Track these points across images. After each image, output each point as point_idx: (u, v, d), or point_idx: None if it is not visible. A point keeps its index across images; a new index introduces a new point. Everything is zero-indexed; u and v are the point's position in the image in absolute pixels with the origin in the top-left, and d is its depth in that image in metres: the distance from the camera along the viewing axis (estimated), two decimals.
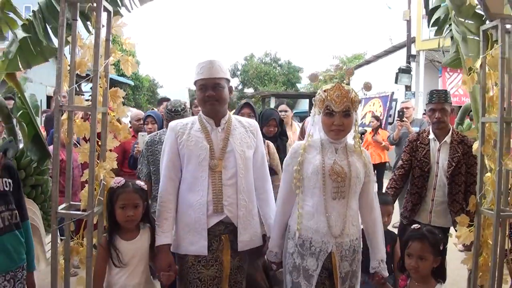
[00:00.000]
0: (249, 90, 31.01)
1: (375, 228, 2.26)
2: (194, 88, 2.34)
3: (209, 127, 2.25)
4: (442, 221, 3.13)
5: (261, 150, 2.39)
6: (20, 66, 2.93)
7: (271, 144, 3.28)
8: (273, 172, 3.02)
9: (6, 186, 2.20)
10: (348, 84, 2.18)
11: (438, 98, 3.16)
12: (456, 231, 2.69)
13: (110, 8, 2.31)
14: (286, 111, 4.72)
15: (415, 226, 2.36)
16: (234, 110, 3.62)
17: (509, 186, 2.52)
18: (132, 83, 21.38)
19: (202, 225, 2.15)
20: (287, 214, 2.27)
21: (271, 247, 2.33)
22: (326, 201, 2.09)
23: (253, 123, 2.42)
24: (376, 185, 2.20)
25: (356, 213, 2.19)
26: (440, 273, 2.29)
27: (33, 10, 2.81)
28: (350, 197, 2.14)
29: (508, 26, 2.44)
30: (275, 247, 2.32)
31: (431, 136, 3.24)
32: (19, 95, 3.08)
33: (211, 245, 2.17)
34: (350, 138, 2.22)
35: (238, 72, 32.83)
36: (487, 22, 2.57)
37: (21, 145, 3.38)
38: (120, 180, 2.27)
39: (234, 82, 33.66)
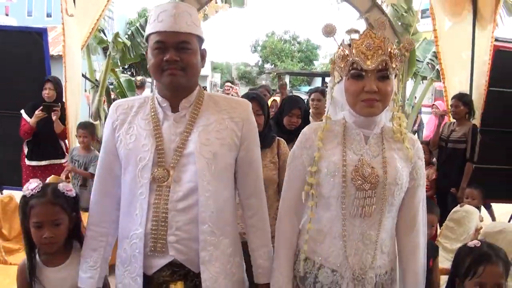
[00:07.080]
0: (268, 66, 32.74)
1: (414, 257, 1.50)
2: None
3: (161, 113, 1.44)
4: None
5: (251, 149, 1.51)
6: (119, 64, 4.97)
7: (283, 143, 2.43)
8: None
9: None
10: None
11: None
12: None
13: None
14: (319, 100, 3.77)
15: (474, 243, 1.73)
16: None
17: None
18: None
19: (137, 269, 1.41)
20: (297, 232, 1.55)
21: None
22: (345, 218, 1.41)
23: (241, 105, 1.52)
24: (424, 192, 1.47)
25: (390, 234, 1.48)
26: None
27: (131, 31, 4.81)
28: (384, 212, 1.42)
29: None
30: (285, 285, 1.50)
31: None
32: (117, 80, 5.11)
33: None
34: (386, 119, 1.48)
35: (259, 48, 34.38)
36: None
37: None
38: (35, 185, 1.54)
39: (255, 58, 35.18)
